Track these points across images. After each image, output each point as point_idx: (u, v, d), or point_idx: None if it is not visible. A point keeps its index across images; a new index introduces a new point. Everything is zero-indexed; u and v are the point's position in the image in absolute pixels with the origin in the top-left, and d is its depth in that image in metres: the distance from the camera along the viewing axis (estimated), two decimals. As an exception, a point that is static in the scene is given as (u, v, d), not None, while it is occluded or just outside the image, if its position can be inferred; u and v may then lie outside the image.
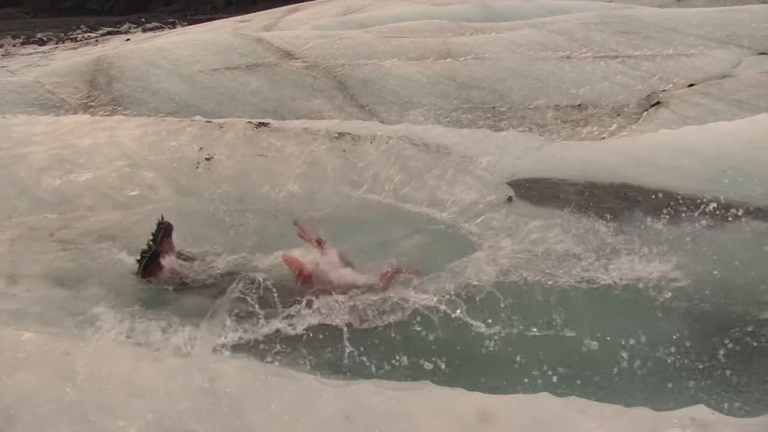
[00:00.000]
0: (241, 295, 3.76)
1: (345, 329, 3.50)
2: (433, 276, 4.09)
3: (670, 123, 7.25)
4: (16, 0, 43.19)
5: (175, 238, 4.18)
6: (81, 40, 25.60)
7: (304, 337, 3.45)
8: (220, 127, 5.94)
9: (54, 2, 43.27)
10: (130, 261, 4.16)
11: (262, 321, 3.61)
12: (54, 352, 2.71)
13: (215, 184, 5.20)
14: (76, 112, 8.11)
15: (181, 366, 2.64)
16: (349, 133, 5.92)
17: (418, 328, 3.54)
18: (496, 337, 3.47)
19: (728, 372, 3.17)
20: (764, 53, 9.53)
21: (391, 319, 3.63)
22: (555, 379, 3.09)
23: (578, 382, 3.08)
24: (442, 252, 4.40)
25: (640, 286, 3.95)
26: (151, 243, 4.01)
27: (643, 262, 4.27)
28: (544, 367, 3.21)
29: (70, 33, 28.06)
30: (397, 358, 3.29)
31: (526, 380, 3.08)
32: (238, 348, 3.31)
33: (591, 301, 3.79)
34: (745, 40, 9.96)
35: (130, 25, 31.34)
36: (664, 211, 5.11)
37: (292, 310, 3.72)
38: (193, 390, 2.50)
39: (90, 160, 5.37)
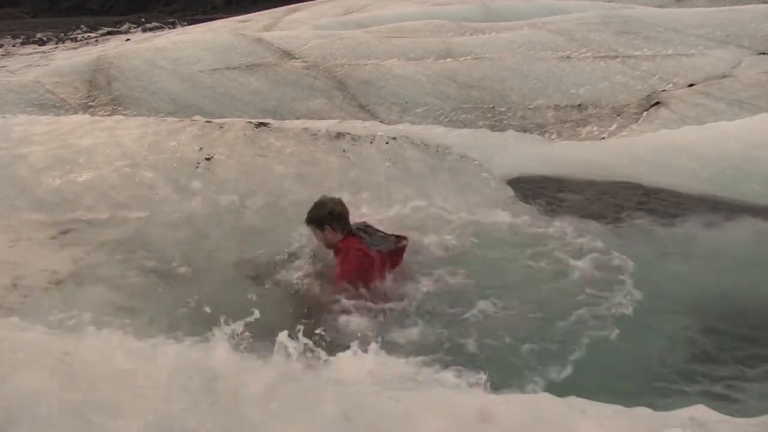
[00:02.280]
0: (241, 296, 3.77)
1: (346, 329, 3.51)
2: (432, 275, 4.10)
3: (670, 123, 7.26)
4: (16, 0, 43.20)
5: None
6: (81, 40, 25.61)
7: (305, 338, 3.45)
8: (220, 127, 5.95)
9: (54, 2, 43.27)
10: (130, 261, 4.17)
11: (262, 321, 3.62)
12: (54, 352, 2.70)
13: (215, 184, 5.20)
14: (76, 112, 8.11)
15: (181, 366, 2.64)
16: (349, 133, 5.92)
17: (418, 327, 3.55)
18: (494, 335, 3.47)
19: (728, 372, 3.17)
20: (764, 53, 9.53)
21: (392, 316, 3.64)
22: (554, 377, 3.09)
23: (578, 382, 3.08)
24: (443, 252, 4.40)
25: (639, 286, 3.95)
26: None
27: (642, 261, 4.27)
28: (544, 367, 3.21)
29: (70, 33, 28.07)
30: (398, 357, 3.29)
31: (525, 377, 3.08)
32: (238, 348, 3.32)
33: (590, 301, 3.79)
34: (745, 40, 9.97)
35: (130, 25, 31.34)
36: (664, 210, 5.12)
37: (293, 311, 3.74)
38: (193, 390, 2.50)
39: (90, 160, 5.37)
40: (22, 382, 2.53)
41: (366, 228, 4.04)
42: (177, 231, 4.61)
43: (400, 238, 4.03)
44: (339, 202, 3.94)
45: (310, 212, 3.95)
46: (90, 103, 8.55)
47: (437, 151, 5.80)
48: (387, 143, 5.80)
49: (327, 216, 3.86)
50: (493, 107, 8.28)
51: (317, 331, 3.51)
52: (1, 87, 9.00)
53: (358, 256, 3.79)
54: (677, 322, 3.59)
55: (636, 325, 3.54)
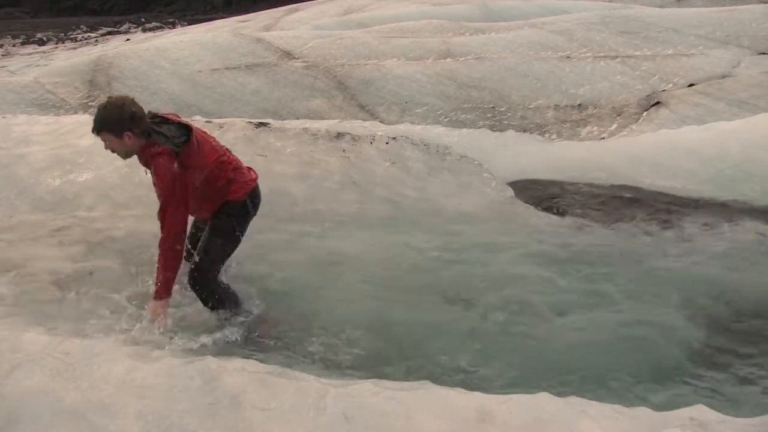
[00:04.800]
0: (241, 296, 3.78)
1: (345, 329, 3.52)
2: (432, 275, 4.10)
3: (670, 123, 7.26)
4: (16, 0, 43.20)
5: None
6: (81, 40, 25.60)
7: (304, 337, 3.46)
8: (220, 127, 5.94)
9: (54, 2, 43.27)
10: (130, 261, 4.17)
11: (260, 321, 3.62)
12: (54, 352, 2.71)
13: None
14: (76, 112, 8.11)
15: (181, 366, 2.64)
16: (349, 133, 5.92)
17: (419, 328, 3.55)
18: (495, 336, 3.47)
19: (728, 372, 3.17)
20: (764, 53, 9.53)
21: (391, 317, 3.64)
22: (554, 378, 3.09)
23: (578, 382, 3.08)
24: (443, 251, 4.40)
25: (639, 286, 3.95)
26: None
27: (642, 261, 4.27)
28: (544, 367, 3.21)
29: (70, 33, 28.05)
30: (397, 358, 3.29)
31: (525, 379, 3.08)
32: (238, 348, 3.32)
33: (591, 302, 3.79)
34: (745, 40, 9.96)
35: (130, 25, 31.33)
36: (664, 210, 5.12)
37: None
38: (193, 390, 2.50)
39: (90, 160, 5.37)
40: (22, 382, 2.54)
41: (160, 121, 3.45)
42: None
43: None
44: (133, 101, 3.41)
45: (101, 117, 3.35)
46: (90, 103, 8.54)
47: (437, 151, 5.80)
48: (387, 143, 5.80)
49: (128, 119, 3.30)
50: (493, 107, 8.28)
51: (316, 332, 3.52)
52: (1, 87, 8.99)
53: (167, 162, 3.28)
54: (677, 322, 3.59)
55: (636, 325, 3.55)
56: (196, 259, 3.53)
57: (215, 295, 3.56)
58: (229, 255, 3.65)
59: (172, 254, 3.35)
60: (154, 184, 3.40)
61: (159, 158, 3.33)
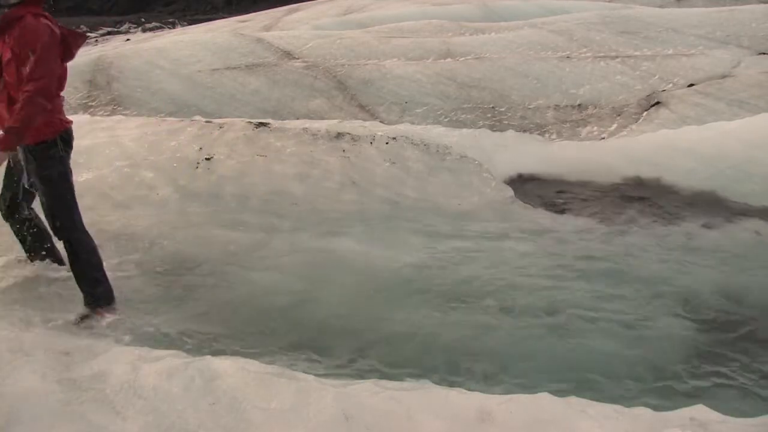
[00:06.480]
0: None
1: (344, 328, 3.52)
2: (432, 275, 4.10)
3: (670, 123, 7.25)
4: (16, 0, 43.16)
5: None
6: (81, 40, 25.55)
7: (304, 338, 3.46)
8: (220, 127, 5.95)
9: (54, 2, 43.33)
10: (129, 261, 4.17)
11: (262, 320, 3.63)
12: (54, 352, 2.71)
13: (215, 184, 5.21)
14: (76, 112, 8.10)
15: (181, 366, 2.64)
16: (348, 133, 5.93)
17: (419, 328, 3.55)
18: (495, 337, 3.47)
19: (728, 372, 3.17)
20: (764, 53, 9.53)
21: (392, 318, 3.64)
22: (554, 378, 3.09)
23: (578, 382, 3.08)
24: (443, 251, 4.40)
25: (640, 286, 3.95)
26: None
27: (642, 261, 4.27)
28: (544, 367, 3.21)
29: (70, 33, 28.03)
30: (397, 358, 3.29)
31: (525, 379, 3.08)
32: (237, 348, 3.32)
33: (591, 301, 3.79)
34: (745, 40, 9.97)
35: (130, 25, 31.36)
36: (664, 210, 5.12)
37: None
38: (193, 390, 2.51)
39: (90, 160, 5.37)
40: (22, 382, 2.54)
41: None
42: (177, 231, 4.62)
43: None
44: None
45: None
46: (90, 103, 8.54)
47: (437, 151, 5.81)
48: (387, 143, 5.80)
49: None
50: (493, 107, 8.28)
51: (316, 331, 3.51)
52: (1, 87, 8.98)
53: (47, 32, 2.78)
54: (677, 321, 3.59)
55: (636, 324, 3.55)
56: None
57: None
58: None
59: (33, 108, 2.89)
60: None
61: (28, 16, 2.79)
